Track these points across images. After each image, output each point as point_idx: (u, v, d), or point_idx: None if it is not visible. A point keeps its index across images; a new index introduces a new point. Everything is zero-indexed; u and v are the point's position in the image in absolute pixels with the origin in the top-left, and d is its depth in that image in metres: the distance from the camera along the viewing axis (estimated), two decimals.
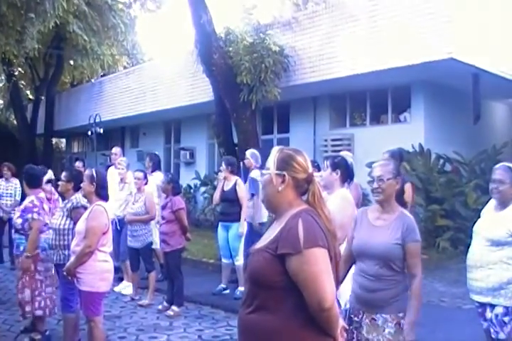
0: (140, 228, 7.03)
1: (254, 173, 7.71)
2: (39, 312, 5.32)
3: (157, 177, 7.85)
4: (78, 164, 10.04)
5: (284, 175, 2.24)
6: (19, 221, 5.40)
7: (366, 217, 3.34)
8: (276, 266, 2.10)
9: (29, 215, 5.32)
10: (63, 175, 5.15)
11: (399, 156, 6.56)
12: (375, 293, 3.14)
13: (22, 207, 5.50)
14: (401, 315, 3.09)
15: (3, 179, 9.28)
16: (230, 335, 5.73)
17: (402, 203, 3.48)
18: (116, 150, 9.10)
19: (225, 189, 7.34)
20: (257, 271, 2.14)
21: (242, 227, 7.18)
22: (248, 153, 7.97)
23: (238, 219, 7.18)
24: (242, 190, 7.26)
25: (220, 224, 7.50)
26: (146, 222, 7.09)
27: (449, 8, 8.79)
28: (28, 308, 5.28)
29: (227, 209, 7.33)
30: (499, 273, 3.62)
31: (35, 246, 5.27)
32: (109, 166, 9.11)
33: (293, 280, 2.08)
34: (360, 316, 3.19)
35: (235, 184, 7.26)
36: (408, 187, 6.50)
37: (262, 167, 2.71)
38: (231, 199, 7.26)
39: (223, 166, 7.42)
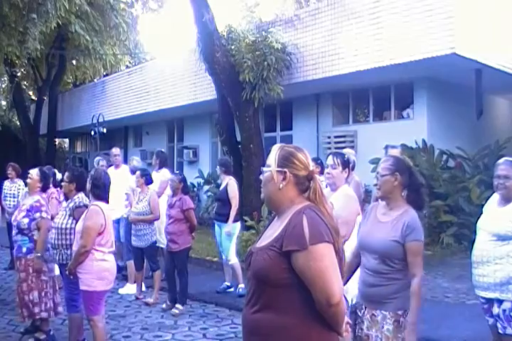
0: (144, 227, 7.02)
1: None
2: (44, 314, 5.33)
3: (164, 174, 7.86)
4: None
5: (285, 172, 2.22)
6: (25, 220, 5.31)
7: (374, 212, 3.34)
8: (281, 264, 2.08)
9: (37, 214, 5.30)
10: (66, 175, 5.15)
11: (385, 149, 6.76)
12: (374, 287, 3.14)
13: (26, 206, 5.42)
14: (400, 312, 3.05)
15: (9, 180, 9.09)
16: (234, 333, 5.73)
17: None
18: (115, 150, 9.04)
19: (220, 189, 7.39)
20: (262, 270, 2.12)
21: (228, 227, 7.15)
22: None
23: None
24: (233, 190, 7.22)
25: (215, 222, 7.55)
26: (150, 222, 7.09)
27: (451, 3, 8.75)
28: (37, 309, 5.29)
29: (220, 209, 7.36)
30: (506, 268, 3.62)
31: (45, 245, 5.25)
32: (110, 166, 8.95)
33: (299, 277, 2.07)
34: (362, 311, 3.20)
35: (227, 184, 7.28)
36: None
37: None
38: (223, 199, 7.27)
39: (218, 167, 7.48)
